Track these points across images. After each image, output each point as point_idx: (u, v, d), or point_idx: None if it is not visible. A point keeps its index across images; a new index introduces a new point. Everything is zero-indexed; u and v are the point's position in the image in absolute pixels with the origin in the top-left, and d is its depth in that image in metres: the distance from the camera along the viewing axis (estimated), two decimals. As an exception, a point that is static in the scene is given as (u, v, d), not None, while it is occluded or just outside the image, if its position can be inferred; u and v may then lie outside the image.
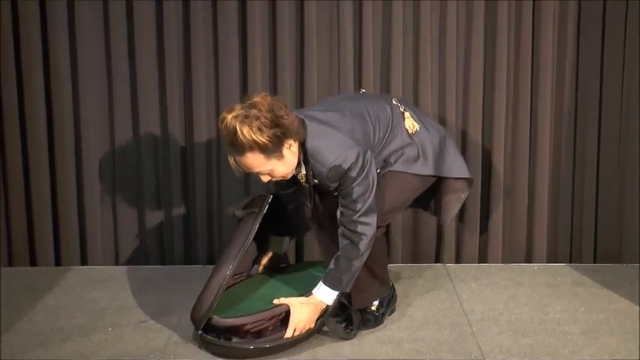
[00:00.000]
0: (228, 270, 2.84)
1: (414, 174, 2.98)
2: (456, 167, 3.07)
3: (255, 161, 2.71)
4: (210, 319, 2.84)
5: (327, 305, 2.90)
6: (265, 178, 2.80)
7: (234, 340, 2.83)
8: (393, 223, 3.69)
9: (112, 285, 3.49)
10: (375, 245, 2.91)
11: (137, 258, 3.76)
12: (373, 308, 3.08)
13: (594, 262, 3.78)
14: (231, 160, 2.75)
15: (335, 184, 2.81)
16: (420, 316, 3.17)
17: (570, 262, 3.79)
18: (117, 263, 3.77)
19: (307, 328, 2.89)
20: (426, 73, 3.64)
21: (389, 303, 3.15)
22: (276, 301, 2.89)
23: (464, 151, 3.70)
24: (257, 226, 2.92)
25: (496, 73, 3.64)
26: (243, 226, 2.96)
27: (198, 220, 3.73)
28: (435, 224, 3.75)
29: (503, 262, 3.77)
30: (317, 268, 3.22)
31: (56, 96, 3.64)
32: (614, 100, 3.68)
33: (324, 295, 2.88)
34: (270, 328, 2.85)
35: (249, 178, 3.68)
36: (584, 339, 2.95)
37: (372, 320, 3.06)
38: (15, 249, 3.72)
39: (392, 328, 3.06)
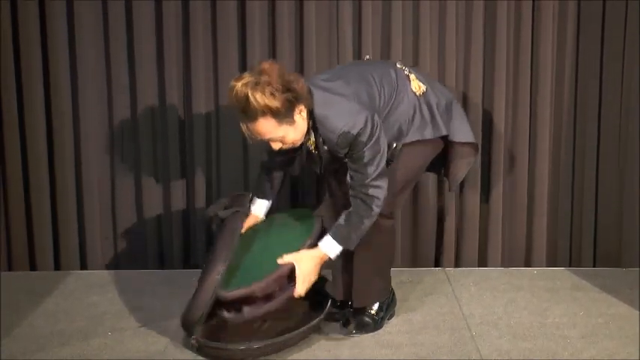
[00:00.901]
0: (218, 273, 2.83)
1: (426, 141, 2.98)
2: (463, 132, 3.09)
3: (268, 127, 2.72)
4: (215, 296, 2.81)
5: (330, 258, 2.89)
6: (276, 145, 2.80)
7: (246, 309, 2.80)
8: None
9: (112, 289, 3.49)
10: (384, 237, 2.94)
11: (136, 262, 3.76)
12: (373, 312, 3.08)
13: (594, 266, 3.77)
14: (243, 127, 2.75)
15: (345, 150, 2.82)
16: (419, 320, 3.17)
17: (570, 266, 3.79)
18: (116, 267, 3.77)
19: (313, 280, 2.87)
20: (426, 73, 3.64)
21: (388, 307, 3.15)
22: (280, 261, 2.85)
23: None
24: (243, 224, 2.97)
25: (495, 73, 3.65)
26: (229, 226, 2.97)
27: (197, 224, 3.74)
28: (435, 228, 3.75)
29: (502, 265, 3.77)
30: (300, 221, 3.16)
31: (55, 99, 3.64)
32: (613, 102, 3.68)
33: (330, 248, 2.87)
34: (278, 288, 2.83)
35: (249, 179, 3.68)
36: (583, 343, 2.95)
37: (371, 324, 3.06)
38: (15, 253, 3.72)
39: (391, 332, 3.06)
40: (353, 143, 2.78)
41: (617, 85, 3.67)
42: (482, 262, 3.78)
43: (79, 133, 3.68)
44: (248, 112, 2.68)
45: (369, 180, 2.81)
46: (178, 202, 3.73)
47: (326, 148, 2.86)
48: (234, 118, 3.58)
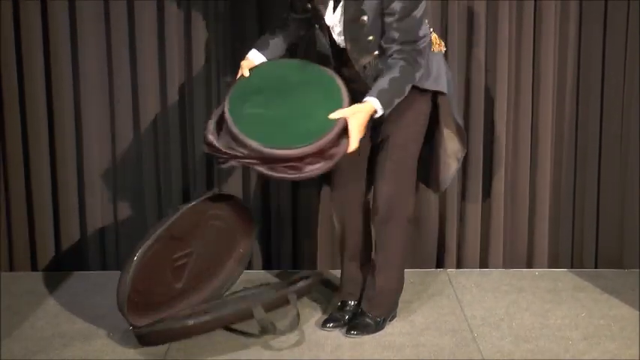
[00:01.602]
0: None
1: (419, 115, 2.99)
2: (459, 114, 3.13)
3: None
4: (247, 146, 2.76)
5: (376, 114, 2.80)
6: None
7: (308, 168, 2.75)
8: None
9: (113, 290, 3.47)
10: (407, 244, 3.02)
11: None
12: (376, 314, 3.08)
13: (595, 268, 3.77)
14: None
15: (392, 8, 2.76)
16: (420, 321, 3.16)
17: (572, 268, 3.78)
18: (118, 269, 3.75)
19: (363, 134, 2.80)
20: None
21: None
22: (332, 116, 2.77)
23: (465, 157, 3.70)
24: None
25: (497, 73, 3.64)
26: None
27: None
28: (437, 229, 3.75)
29: (504, 267, 3.77)
30: (315, 76, 3.00)
31: (57, 95, 3.63)
32: (615, 103, 3.68)
33: (377, 106, 2.77)
34: (330, 145, 2.76)
35: (248, 186, 3.68)
36: (585, 344, 2.95)
37: (372, 326, 3.06)
38: (16, 254, 3.72)
39: (393, 333, 3.06)
40: None
41: (619, 88, 3.66)
42: (484, 263, 3.78)
43: (81, 133, 3.67)
44: None
45: (419, 41, 2.81)
46: (179, 203, 3.72)
47: (365, 18, 2.78)
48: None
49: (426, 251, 3.75)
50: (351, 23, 2.82)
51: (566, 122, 3.72)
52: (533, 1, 3.61)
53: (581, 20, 3.65)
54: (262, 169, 2.75)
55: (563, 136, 3.73)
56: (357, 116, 2.74)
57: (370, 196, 3.14)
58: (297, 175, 2.76)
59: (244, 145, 2.75)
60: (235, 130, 2.78)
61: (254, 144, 2.73)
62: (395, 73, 2.78)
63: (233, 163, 2.81)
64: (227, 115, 2.83)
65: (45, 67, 3.61)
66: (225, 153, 2.78)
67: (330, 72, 2.95)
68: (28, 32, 3.58)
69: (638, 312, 3.23)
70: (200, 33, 3.61)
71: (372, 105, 2.76)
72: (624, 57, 3.64)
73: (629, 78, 3.66)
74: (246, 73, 2.98)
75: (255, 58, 3.05)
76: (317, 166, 2.74)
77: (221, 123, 2.85)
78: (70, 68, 3.63)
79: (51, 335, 3.02)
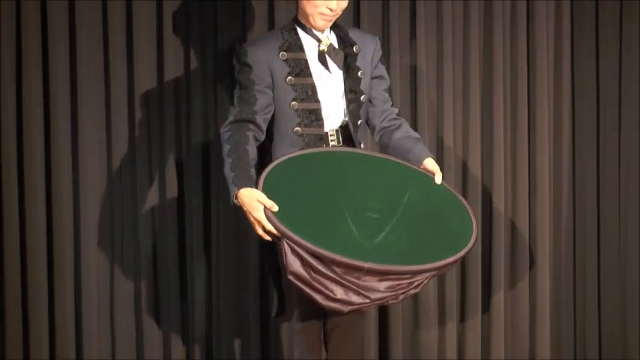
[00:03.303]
0: None
1: None
2: None
3: None
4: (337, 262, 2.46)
5: None
6: (337, 7, 2.73)
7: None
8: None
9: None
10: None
11: (135, 355, 3.68)
12: None
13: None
14: None
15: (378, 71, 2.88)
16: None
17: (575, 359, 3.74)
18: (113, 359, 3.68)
19: None
20: (423, 73, 3.68)
21: None
22: (437, 180, 2.76)
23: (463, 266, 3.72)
24: None
25: (494, 73, 3.70)
26: None
27: (197, 319, 3.69)
28: (436, 318, 3.71)
29: (506, 358, 3.71)
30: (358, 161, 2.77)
31: (54, 108, 3.58)
32: (612, 205, 3.76)
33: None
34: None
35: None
36: None
37: None
38: (9, 346, 3.63)
39: None
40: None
41: (615, 179, 3.76)
42: (486, 353, 3.74)
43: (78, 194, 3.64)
44: None
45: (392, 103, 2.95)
46: (177, 290, 3.69)
47: (361, 72, 2.85)
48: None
49: (426, 340, 3.71)
50: (348, 78, 2.85)
51: (563, 225, 3.79)
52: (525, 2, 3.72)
53: (572, 20, 3.76)
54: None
55: (560, 239, 3.78)
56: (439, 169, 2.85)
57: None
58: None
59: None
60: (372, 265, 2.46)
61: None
62: (417, 136, 2.92)
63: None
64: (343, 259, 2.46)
65: (43, 69, 3.56)
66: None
67: (360, 151, 2.85)
68: (27, 32, 3.55)
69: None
70: (198, 33, 3.62)
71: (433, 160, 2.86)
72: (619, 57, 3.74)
73: (623, 173, 3.75)
74: (271, 205, 2.59)
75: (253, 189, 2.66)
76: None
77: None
78: (68, 70, 3.58)
79: None
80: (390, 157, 2.83)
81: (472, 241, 2.62)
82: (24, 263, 3.62)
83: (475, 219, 2.70)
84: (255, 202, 2.58)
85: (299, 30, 2.84)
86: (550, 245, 3.75)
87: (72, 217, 3.62)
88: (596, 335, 3.75)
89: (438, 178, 2.79)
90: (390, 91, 2.96)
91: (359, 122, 2.88)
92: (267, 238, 2.60)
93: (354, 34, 2.87)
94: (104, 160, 3.64)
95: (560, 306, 3.77)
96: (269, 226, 2.55)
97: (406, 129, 2.90)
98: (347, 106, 2.84)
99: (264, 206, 2.56)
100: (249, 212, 2.59)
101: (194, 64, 3.63)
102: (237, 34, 3.62)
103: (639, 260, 3.72)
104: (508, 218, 3.75)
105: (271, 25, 3.64)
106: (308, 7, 2.75)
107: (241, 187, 2.61)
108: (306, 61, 2.80)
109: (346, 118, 2.86)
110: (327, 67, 2.83)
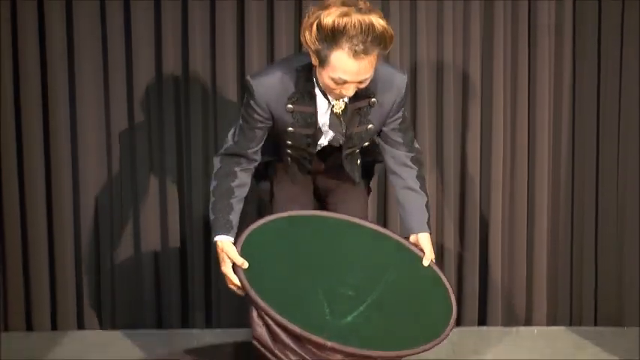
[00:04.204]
0: None
1: None
2: None
3: (373, 62, 2.43)
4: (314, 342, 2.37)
5: None
6: (353, 92, 2.49)
7: None
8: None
9: (109, 349, 3.46)
10: None
11: (134, 322, 3.73)
12: None
13: (595, 326, 3.75)
14: (337, 75, 2.42)
15: (394, 118, 2.68)
16: (419, 381, 3.13)
17: (570, 325, 3.76)
18: (114, 327, 3.73)
19: None
20: (423, 73, 3.65)
21: None
22: (425, 263, 2.64)
23: (461, 217, 3.72)
24: None
25: (494, 71, 3.66)
26: None
27: (196, 285, 3.72)
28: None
29: (502, 325, 3.74)
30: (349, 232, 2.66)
31: (53, 112, 3.61)
32: (610, 167, 3.70)
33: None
34: None
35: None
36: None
37: None
38: (11, 313, 3.69)
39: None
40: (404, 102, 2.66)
41: (614, 137, 3.69)
42: (482, 321, 3.76)
43: (78, 186, 3.67)
44: (370, 42, 2.36)
45: (417, 143, 2.79)
46: (176, 262, 3.72)
47: (371, 126, 2.65)
48: (232, 122, 3.51)
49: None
50: (354, 129, 2.68)
51: (562, 180, 3.73)
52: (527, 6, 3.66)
53: (574, 21, 3.68)
54: None
55: (559, 194, 3.74)
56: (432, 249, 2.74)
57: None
58: None
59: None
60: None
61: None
62: (422, 195, 2.75)
63: None
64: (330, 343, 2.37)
65: (41, 69, 3.58)
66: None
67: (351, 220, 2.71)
68: (24, 33, 3.55)
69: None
70: (197, 34, 3.60)
71: (428, 236, 2.75)
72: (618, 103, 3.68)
73: (623, 125, 3.68)
74: (241, 263, 2.53)
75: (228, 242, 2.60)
76: None
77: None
78: (67, 70, 3.60)
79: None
80: (380, 229, 2.74)
81: (446, 331, 2.53)
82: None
83: (455, 307, 2.59)
84: (224, 254, 2.55)
85: (315, 82, 2.59)
86: (549, 210, 3.74)
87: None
88: (593, 300, 3.77)
89: (426, 261, 2.69)
90: (406, 131, 2.74)
91: (356, 151, 2.79)
92: (238, 292, 2.54)
93: (377, 76, 2.55)
94: (104, 161, 3.67)
95: (557, 273, 3.78)
96: (236, 282, 2.50)
97: (413, 183, 2.74)
98: (344, 147, 2.73)
99: (234, 264, 2.51)
100: (220, 263, 2.56)
101: (193, 63, 3.61)
102: (236, 33, 3.60)
103: (638, 229, 3.70)
104: (506, 215, 3.73)
105: (271, 25, 3.60)
106: (322, 82, 2.53)
107: (217, 234, 2.58)
108: (313, 114, 2.63)
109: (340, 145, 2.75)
110: (334, 124, 2.66)
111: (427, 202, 2.76)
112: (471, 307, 3.73)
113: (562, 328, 3.73)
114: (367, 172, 3.01)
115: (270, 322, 2.39)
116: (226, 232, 2.58)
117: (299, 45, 3.60)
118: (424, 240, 2.71)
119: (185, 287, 3.74)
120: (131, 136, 3.67)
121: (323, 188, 2.96)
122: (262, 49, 3.63)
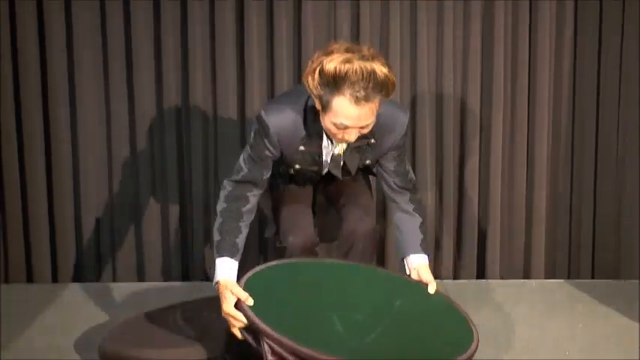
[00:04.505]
0: None
1: None
2: None
3: (374, 108, 2.44)
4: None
5: None
6: (355, 137, 2.50)
7: None
8: (388, 237, 3.72)
9: (110, 302, 3.48)
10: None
11: (134, 275, 3.75)
12: None
13: (592, 278, 3.77)
14: (340, 118, 2.42)
15: (393, 153, 2.71)
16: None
17: (568, 278, 3.78)
18: (114, 280, 3.75)
19: None
20: (423, 73, 3.65)
21: None
22: (431, 291, 2.63)
23: (461, 168, 3.71)
24: None
25: (493, 71, 3.66)
26: None
27: (196, 237, 3.73)
28: (433, 240, 3.75)
29: (501, 278, 3.77)
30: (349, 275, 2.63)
31: (52, 101, 3.63)
32: (611, 117, 3.69)
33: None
34: None
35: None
36: (582, 356, 2.94)
37: None
38: (11, 265, 3.71)
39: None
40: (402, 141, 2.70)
41: (615, 88, 3.68)
42: (481, 274, 3.78)
43: (77, 141, 3.67)
44: (372, 89, 2.38)
45: (411, 173, 2.79)
46: (176, 215, 3.73)
47: (368, 162, 2.72)
48: (232, 121, 3.62)
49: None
50: (352, 164, 2.75)
51: (562, 133, 3.73)
52: (528, 2, 3.64)
53: (576, 21, 3.67)
54: None
55: (559, 148, 3.74)
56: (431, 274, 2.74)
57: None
58: None
59: None
60: None
61: None
62: (416, 217, 2.78)
63: None
64: None
65: (41, 69, 3.60)
66: None
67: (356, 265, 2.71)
68: (23, 31, 3.56)
69: (635, 322, 3.22)
70: (196, 34, 3.60)
71: (426, 259, 2.77)
72: (620, 53, 3.66)
73: (625, 74, 3.67)
74: (246, 298, 2.43)
75: (228, 272, 2.54)
76: None
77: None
78: (66, 70, 3.62)
79: (47, 347, 3.01)
80: (380, 269, 2.80)
81: (474, 345, 2.42)
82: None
83: (475, 328, 2.51)
84: (228, 292, 2.44)
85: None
86: (548, 162, 3.74)
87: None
88: (590, 253, 3.79)
89: (432, 288, 2.67)
90: (401, 161, 2.76)
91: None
92: (240, 335, 2.43)
93: (379, 119, 2.54)
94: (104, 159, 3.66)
95: (556, 226, 3.79)
96: (240, 318, 2.39)
97: (407, 206, 2.77)
98: (342, 175, 2.77)
99: (239, 299, 2.40)
100: (221, 303, 2.45)
101: (193, 63, 3.62)
102: (236, 33, 3.60)
103: (638, 184, 3.71)
104: (507, 125, 3.72)
105: (271, 25, 3.59)
106: (325, 127, 2.53)
107: (222, 256, 2.53)
108: (319, 154, 2.69)
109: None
110: (335, 160, 2.70)
111: (421, 223, 2.79)
112: (470, 260, 3.76)
113: (560, 281, 3.76)
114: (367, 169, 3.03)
115: (285, 354, 2.26)
116: (231, 255, 2.55)
117: (299, 45, 3.62)
118: (424, 272, 2.72)
119: (185, 240, 3.75)
120: (131, 135, 3.70)
121: (325, 194, 3.01)
122: (262, 49, 3.64)
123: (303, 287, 2.50)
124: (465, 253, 3.76)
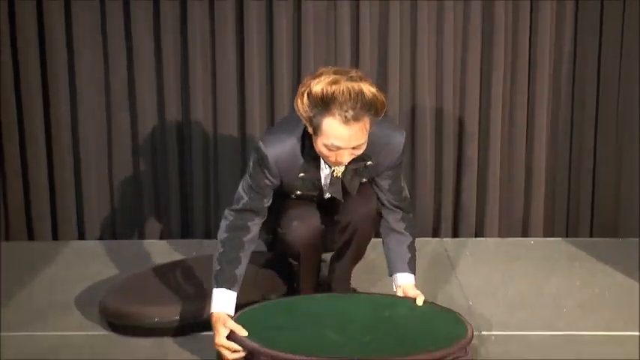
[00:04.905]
0: None
1: None
2: None
3: (365, 128, 2.43)
4: None
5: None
6: (349, 158, 2.50)
7: None
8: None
9: (110, 259, 3.49)
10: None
11: (135, 232, 3.77)
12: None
13: (591, 237, 3.79)
14: (330, 142, 2.42)
15: (389, 172, 2.72)
16: (416, 290, 3.17)
17: (567, 237, 3.80)
18: (114, 237, 3.77)
19: None
20: (423, 72, 3.65)
21: None
22: (419, 302, 2.66)
23: (461, 130, 3.72)
24: None
25: (493, 71, 3.66)
26: None
27: (195, 195, 3.74)
28: (433, 198, 3.76)
29: (499, 236, 3.78)
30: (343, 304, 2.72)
31: (53, 87, 3.64)
32: (612, 81, 3.68)
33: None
34: None
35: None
36: (579, 313, 2.96)
37: None
38: (12, 223, 3.72)
39: (388, 302, 3.06)
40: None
41: (615, 88, 3.68)
42: (480, 232, 3.79)
43: (76, 111, 3.67)
44: (360, 108, 2.38)
45: (405, 191, 2.79)
46: (176, 172, 3.74)
47: (365, 180, 2.70)
48: (232, 121, 3.64)
49: (421, 220, 3.76)
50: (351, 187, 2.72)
51: (562, 91, 3.72)
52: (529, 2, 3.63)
53: (576, 19, 3.66)
54: None
55: (559, 106, 3.73)
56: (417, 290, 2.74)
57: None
58: None
59: None
60: None
61: None
62: (406, 236, 2.78)
63: None
64: None
65: (41, 68, 3.61)
66: None
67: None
68: (24, 31, 3.57)
69: (633, 280, 3.23)
70: (196, 34, 3.60)
71: (412, 278, 2.77)
72: (620, 42, 3.65)
73: (625, 74, 3.67)
74: (239, 329, 2.46)
75: (225, 306, 2.55)
76: None
77: None
78: (67, 69, 3.63)
79: (48, 304, 3.03)
80: (367, 293, 2.88)
81: (469, 333, 2.47)
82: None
83: (470, 325, 2.52)
84: (220, 325, 2.46)
85: None
86: (548, 121, 3.74)
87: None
88: (589, 211, 3.80)
89: (420, 300, 2.67)
90: (396, 179, 2.75)
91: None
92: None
93: (374, 139, 2.53)
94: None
95: (555, 184, 3.80)
96: (234, 347, 2.41)
97: (397, 225, 2.76)
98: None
99: (232, 331, 2.44)
100: (214, 336, 2.48)
101: (193, 63, 3.62)
102: (236, 34, 3.60)
103: (638, 143, 3.71)
104: (507, 86, 3.71)
105: (271, 25, 3.58)
106: (318, 150, 2.51)
107: (220, 287, 2.54)
108: (319, 179, 2.68)
109: None
110: (334, 183, 2.67)
111: (411, 242, 2.78)
112: (468, 219, 3.77)
113: (558, 239, 3.77)
114: None
115: None
116: (229, 287, 2.55)
117: (299, 45, 3.60)
118: (409, 289, 2.73)
119: (185, 198, 3.76)
120: (132, 135, 3.71)
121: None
122: (262, 49, 3.63)
123: (293, 317, 2.58)
124: (464, 212, 3.77)
